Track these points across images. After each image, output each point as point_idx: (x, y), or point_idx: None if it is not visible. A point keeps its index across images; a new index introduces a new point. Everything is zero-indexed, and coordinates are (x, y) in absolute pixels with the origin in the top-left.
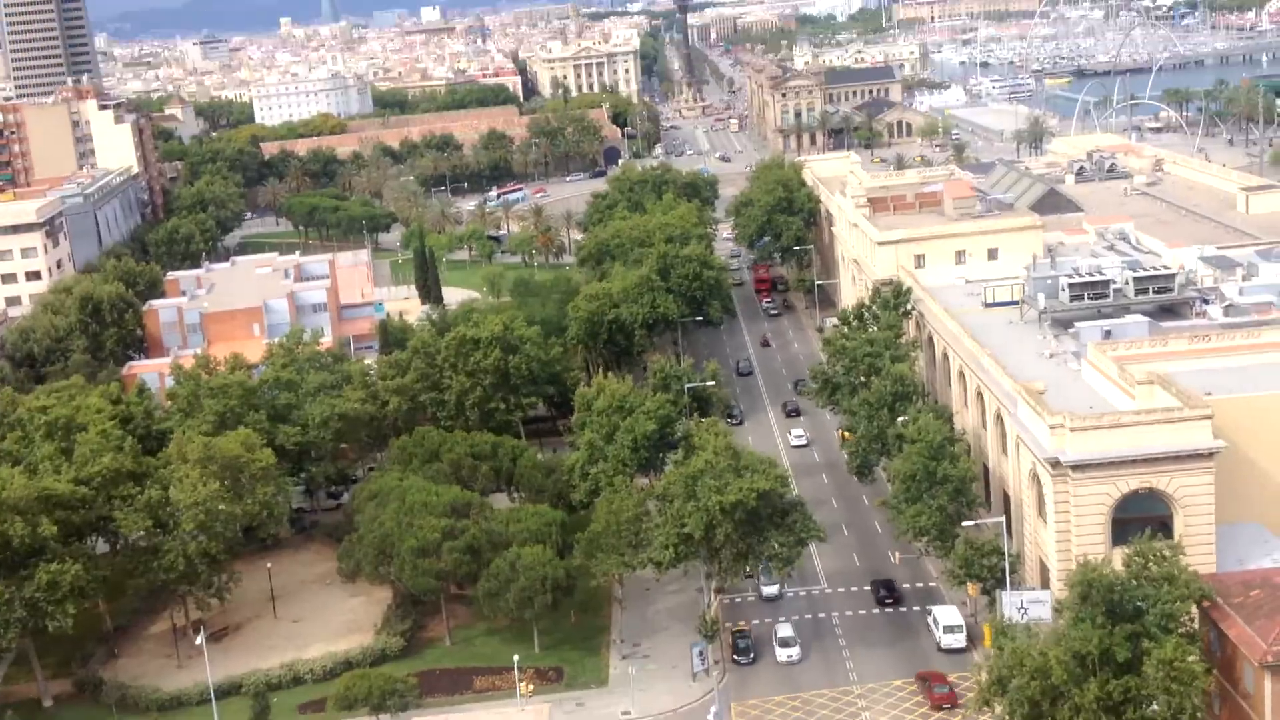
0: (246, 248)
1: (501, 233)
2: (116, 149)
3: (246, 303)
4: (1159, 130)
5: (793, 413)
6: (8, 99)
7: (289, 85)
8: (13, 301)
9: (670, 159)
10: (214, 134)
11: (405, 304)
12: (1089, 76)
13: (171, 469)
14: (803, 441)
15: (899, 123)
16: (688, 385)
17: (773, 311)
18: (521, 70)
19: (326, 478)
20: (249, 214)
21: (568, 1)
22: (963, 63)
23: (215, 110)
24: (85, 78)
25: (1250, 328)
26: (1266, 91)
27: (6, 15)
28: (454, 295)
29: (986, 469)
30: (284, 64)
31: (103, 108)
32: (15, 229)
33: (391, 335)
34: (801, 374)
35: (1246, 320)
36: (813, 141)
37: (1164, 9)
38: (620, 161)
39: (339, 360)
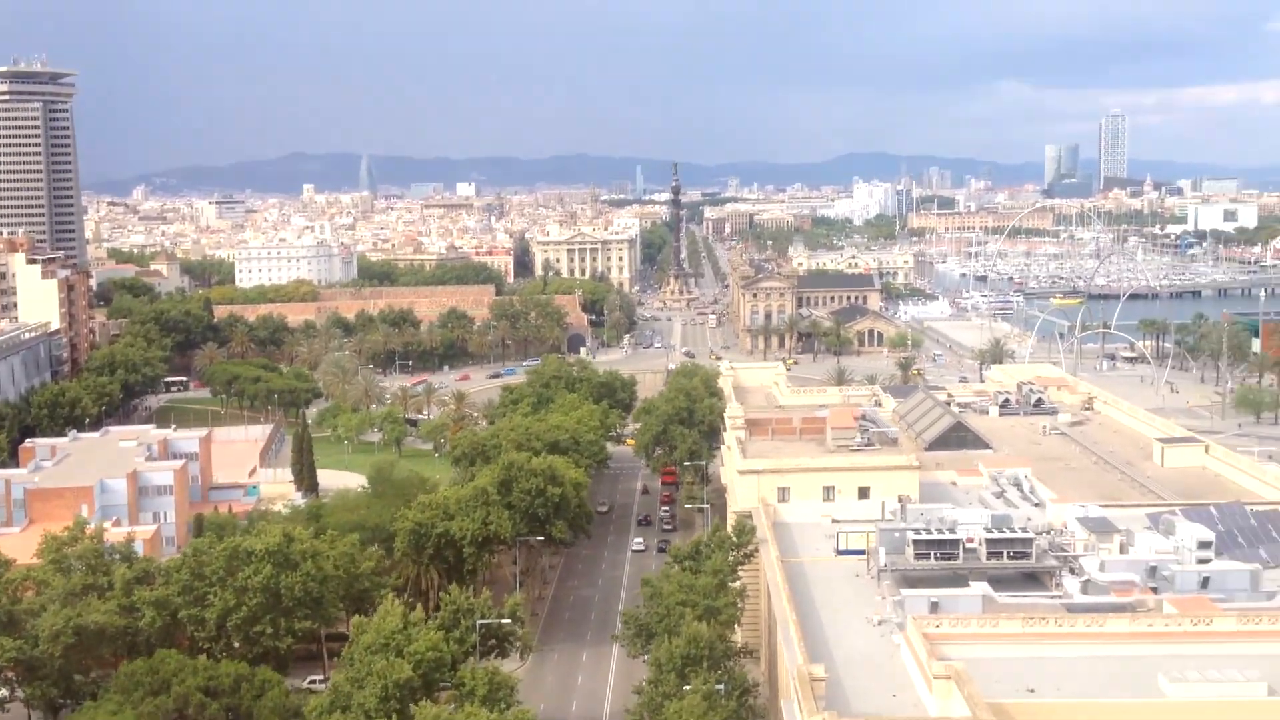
0: (163, 415)
1: (421, 416)
2: (40, 303)
3: (83, 480)
4: (1133, 360)
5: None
6: None
7: (271, 249)
8: None
9: (637, 350)
10: (188, 293)
11: (287, 488)
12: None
13: None
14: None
15: (870, 331)
16: (479, 621)
17: (667, 525)
18: (523, 251)
19: (47, 700)
20: (189, 379)
21: (600, 187)
22: (963, 275)
23: (205, 269)
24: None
25: (1095, 614)
26: (1243, 329)
27: None
28: (343, 480)
29: None
30: (297, 227)
31: (30, 261)
32: None
33: (208, 529)
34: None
35: (1097, 603)
36: (781, 344)
37: (1172, 237)
38: (582, 350)
39: (125, 559)
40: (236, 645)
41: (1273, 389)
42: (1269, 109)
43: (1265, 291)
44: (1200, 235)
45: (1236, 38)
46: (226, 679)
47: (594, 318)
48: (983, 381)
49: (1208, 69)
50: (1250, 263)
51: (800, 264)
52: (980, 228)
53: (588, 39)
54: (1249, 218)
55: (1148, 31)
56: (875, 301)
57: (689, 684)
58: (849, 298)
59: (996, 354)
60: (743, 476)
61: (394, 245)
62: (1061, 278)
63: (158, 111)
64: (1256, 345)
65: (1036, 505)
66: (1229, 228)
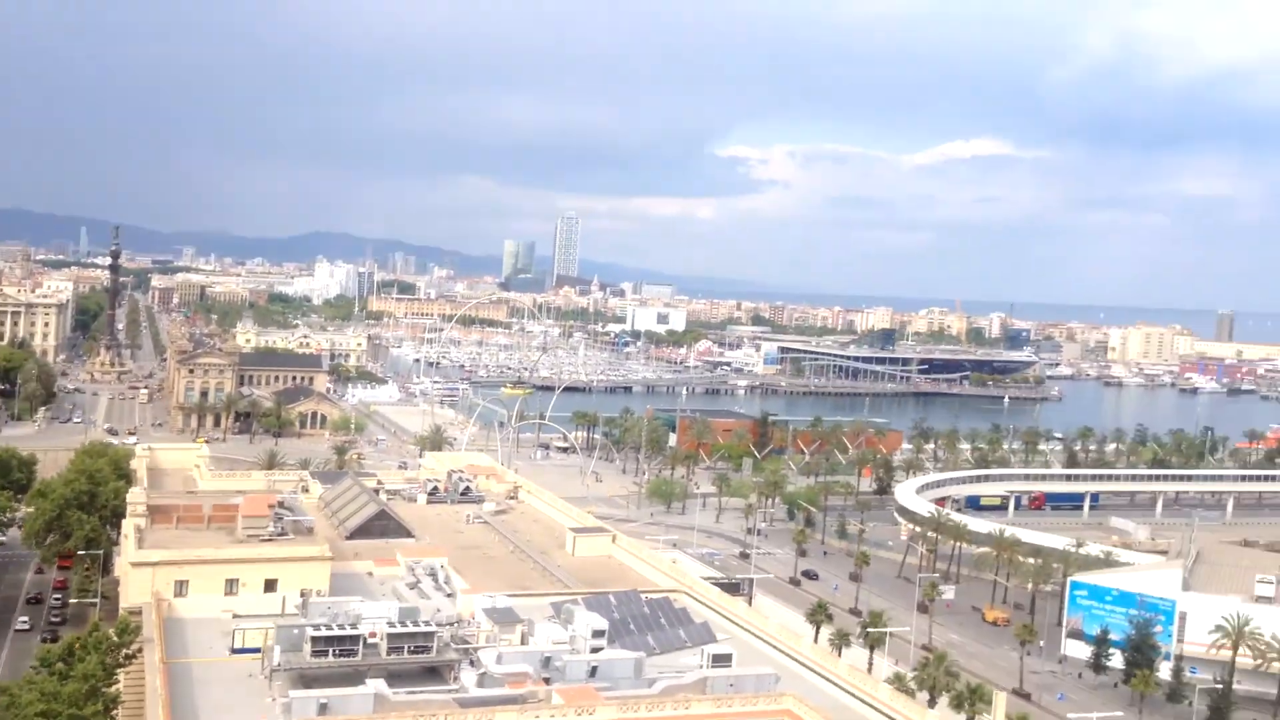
0: None
1: None
2: None
3: None
4: (566, 450)
5: None
6: None
7: None
8: None
9: (53, 425)
10: None
11: None
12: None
13: None
14: None
15: (314, 413)
16: None
17: (55, 617)
18: None
19: None
20: None
21: (38, 245)
22: (416, 360)
23: None
24: None
25: (486, 707)
26: (663, 424)
27: None
28: None
29: None
30: None
31: None
32: None
33: None
34: None
35: (489, 695)
36: (217, 423)
37: (612, 335)
38: None
39: None
40: None
41: (682, 480)
42: (702, 224)
43: (686, 390)
44: (636, 335)
45: (680, 157)
46: None
47: (6, 388)
48: (420, 468)
49: (654, 182)
50: (676, 363)
51: (248, 340)
52: (439, 315)
53: (34, 85)
54: (679, 321)
55: (602, 144)
56: (323, 383)
57: None
58: (295, 378)
59: (436, 440)
60: (135, 569)
61: None
62: (510, 368)
63: None
64: (674, 439)
65: (449, 596)
66: (661, 329)
